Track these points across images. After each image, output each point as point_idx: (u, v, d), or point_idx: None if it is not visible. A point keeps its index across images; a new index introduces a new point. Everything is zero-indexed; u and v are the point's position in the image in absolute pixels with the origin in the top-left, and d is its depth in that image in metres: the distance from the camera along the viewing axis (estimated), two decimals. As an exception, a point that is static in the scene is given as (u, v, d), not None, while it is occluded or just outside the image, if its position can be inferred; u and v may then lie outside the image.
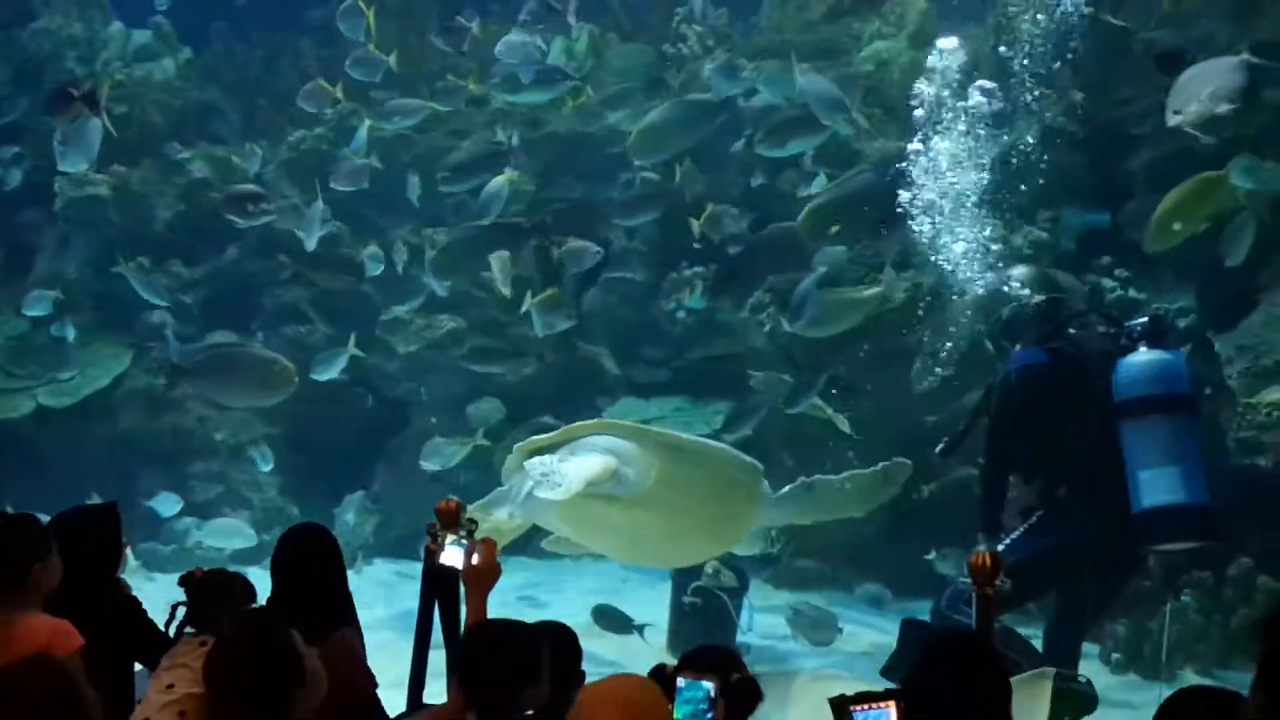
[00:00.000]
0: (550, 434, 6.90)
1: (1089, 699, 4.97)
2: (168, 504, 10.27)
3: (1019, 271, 6.65)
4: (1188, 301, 8.89)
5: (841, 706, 2.76)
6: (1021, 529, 6.16)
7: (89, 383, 10.99)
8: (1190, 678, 7.37)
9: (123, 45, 12.40)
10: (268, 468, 10.49)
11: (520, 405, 10.70)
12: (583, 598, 8.94)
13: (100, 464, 10.75)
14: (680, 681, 2.97)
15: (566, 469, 6.25)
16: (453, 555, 3.84)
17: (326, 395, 10.64)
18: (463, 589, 3.86)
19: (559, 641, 3.49)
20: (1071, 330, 6.35)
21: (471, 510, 6.22)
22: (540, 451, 6.60)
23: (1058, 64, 9.05)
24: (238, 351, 9.37)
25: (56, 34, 12.19)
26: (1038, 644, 6.27)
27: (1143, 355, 5.87)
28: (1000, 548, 5.99)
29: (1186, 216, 7.29)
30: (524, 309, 9.70)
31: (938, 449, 6.72)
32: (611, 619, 7.95)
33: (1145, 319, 6.11)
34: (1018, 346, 6.28)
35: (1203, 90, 6.67)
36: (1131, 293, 8.95)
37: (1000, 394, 6.16)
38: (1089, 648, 6.45)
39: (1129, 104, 9.30)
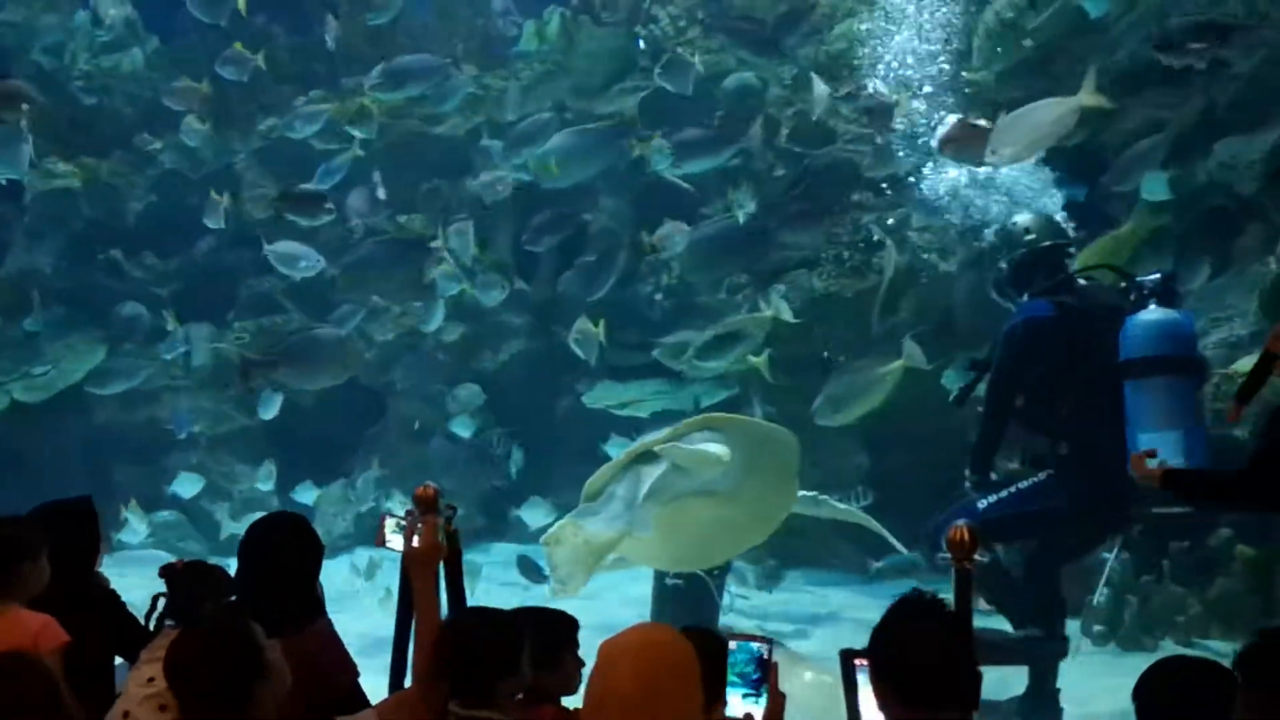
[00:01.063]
0: (660, 434, 6.71)
1: None
2: (189, 484, 10.22)
3: (1024, 218, 6.48)
4: (1167, 268, 8.89)
5: (848, 657, 2.79)
6: (1016, 487, 6.08)
7: (63, 377, 10.92)
8: (1170, 648, 7.42)
9: (90, 35, 12.28)
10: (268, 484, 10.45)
11: (499, 392, 10.68)
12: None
13: (76, 458, 10.70)
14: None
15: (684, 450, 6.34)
16: (393, 539, 3.82)
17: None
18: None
19: (544, 626, 3.47)
20: (1081, 281, 6.25)
21: (563, 524, 6.22)
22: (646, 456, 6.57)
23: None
24: (310, 336, 9.37)
25: (21, 26, 12.06)
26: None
27: (1153, 313, 5.75)
28: (991, 499, 6.00)
29: (854, 405, 7.83)
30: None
31: (950, 398, 6.79)
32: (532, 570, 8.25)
33: (1157, 274, 5.98)
34: (1024, 297, 6.18)
35: (1021, 137, 6.94)
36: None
37: (1005, 344, 6.11)
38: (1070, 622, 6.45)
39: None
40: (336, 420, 10.82)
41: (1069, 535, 6.21)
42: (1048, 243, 6.29)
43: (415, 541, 3.70)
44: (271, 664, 3.06)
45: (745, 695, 3.01)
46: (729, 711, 2.99)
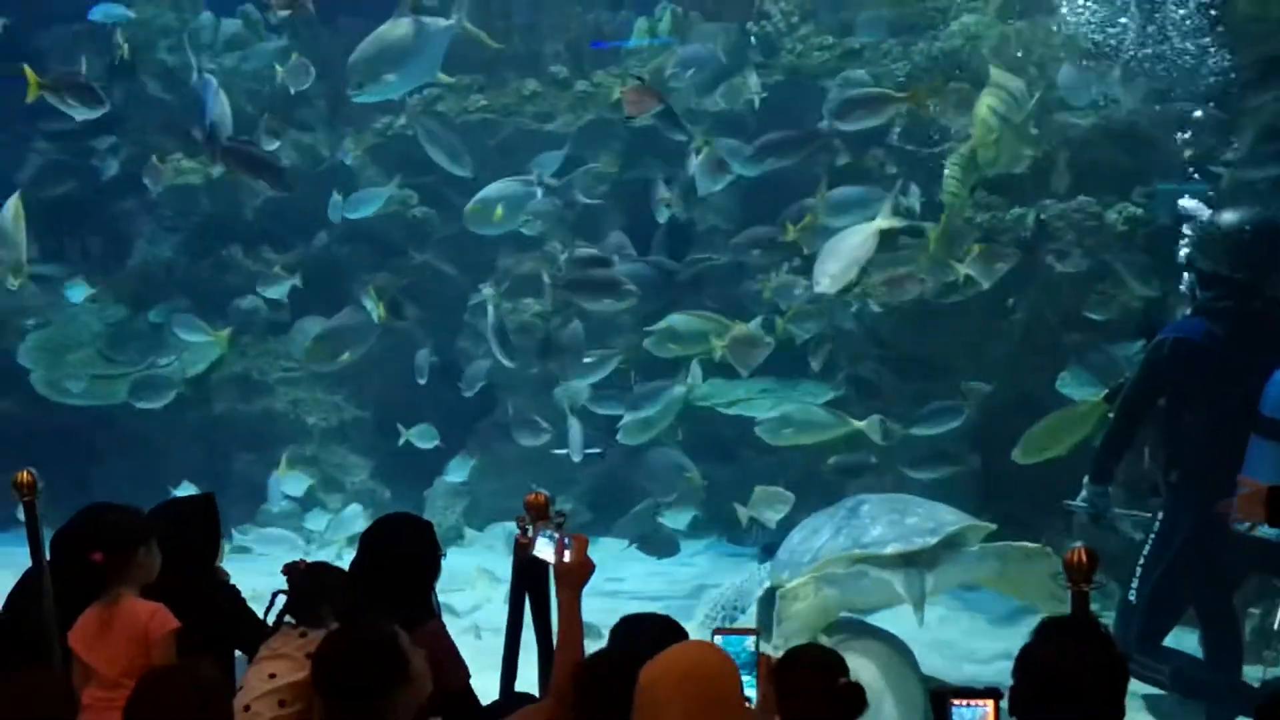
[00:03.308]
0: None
1: None
2: (295, 484, 10.47)
3: (1233, 215, 6.19)
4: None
5: (941, 699, 2.76)
6: (1143, 556, 5.98)
7: (185, 368, 11.22)
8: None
9: (213, 34, 12.57)
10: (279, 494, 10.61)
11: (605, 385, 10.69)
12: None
13: (195, 448, 11.00)
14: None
15: None
16: (544, 549, 3.85)
17: (415, 379, 10.75)
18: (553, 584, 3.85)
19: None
20: (1240, 305, 5.88)
21: (804, 581, 6.17)
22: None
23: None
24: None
25: (149, 24, 12.39)
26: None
27: None
28: (1134, 585, 5.93)
29: (1055, 443, 7.58)
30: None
31: (1103, 394, 6.73)
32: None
33: None
34: (1186, 312, 6.06)
35: (838, 261, 8.08)
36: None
37: (1149, 358, 6.01)
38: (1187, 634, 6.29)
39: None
40: (445, 413, 10.91)
41: (1203, 567, 6.00)
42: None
43: (566, 556, 3.71)
44: (415, 671, 3.12)
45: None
46: None
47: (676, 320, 9.46)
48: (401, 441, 10.21)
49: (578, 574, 3.67)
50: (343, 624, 3.34)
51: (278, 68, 10.65)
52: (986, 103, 8.36)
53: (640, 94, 9.06)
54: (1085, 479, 6.26)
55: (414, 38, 8.72)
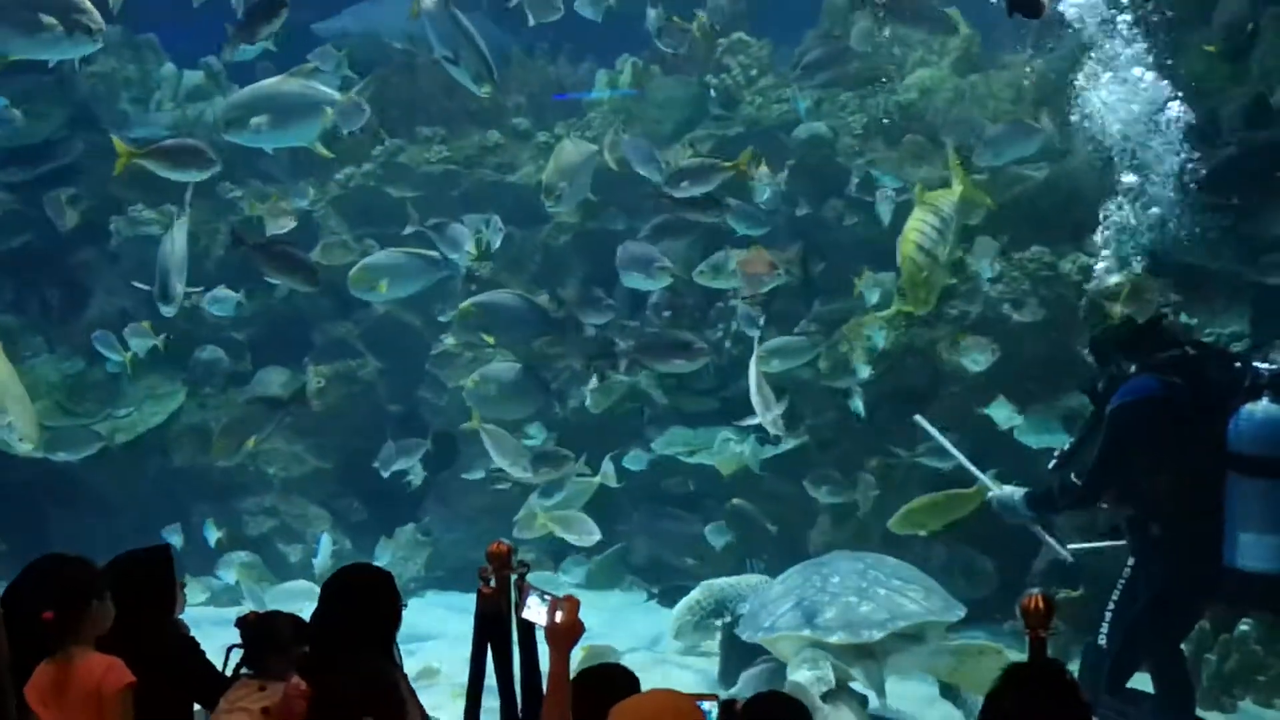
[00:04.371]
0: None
1: None
2: (210, 532, 10.27)
3: (1116, 277, 6.40)
4: (1240, 326, 8.78)
5: None
6: (1112, 603, 6.05)
7: (145, 419, 11.14)
8: (1250, 709, 7.27)
9: (175, 86, 12.61)
10: (327, 552, 10.53)
11: (569, 436, 10.71)
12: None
13: (154, 500, 10.89)
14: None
15: None
16: (535, 610, 3.84)
17: (378, 429, 10.73)
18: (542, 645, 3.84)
19: None
20: (1191, 351, 6.08)
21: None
22: None
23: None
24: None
25: (111, 76, 12.40)
26: None
27: (1269, 410, 5.60)
28: (1103, 630, 5.99)
29: (932, 520, 7.64)
30: None
31: (1050, 465, 6.59)
32: None
33: (1275, 366, 5.78)
34: (1132, 368, 6.05)
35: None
36: (1184, 317, 8.85)
37: (1114, 423, 5.98)
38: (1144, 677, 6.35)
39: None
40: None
41: (1176, 616, 6.12)
42: (1156, 309, 6.17)
43: (558, 617, 3.72)
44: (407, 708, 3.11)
45: None
46: None
47: None
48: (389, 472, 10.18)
49: (569, 635, 3.69)
50: (344, 666, 3.33)
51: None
52: (912, 240, 8.11)
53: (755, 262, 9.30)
54: (1022, 496, 6.41)
55: (294, 99, 8.78)
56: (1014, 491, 6.56)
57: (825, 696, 5.94)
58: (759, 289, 9.48)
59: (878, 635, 6.16)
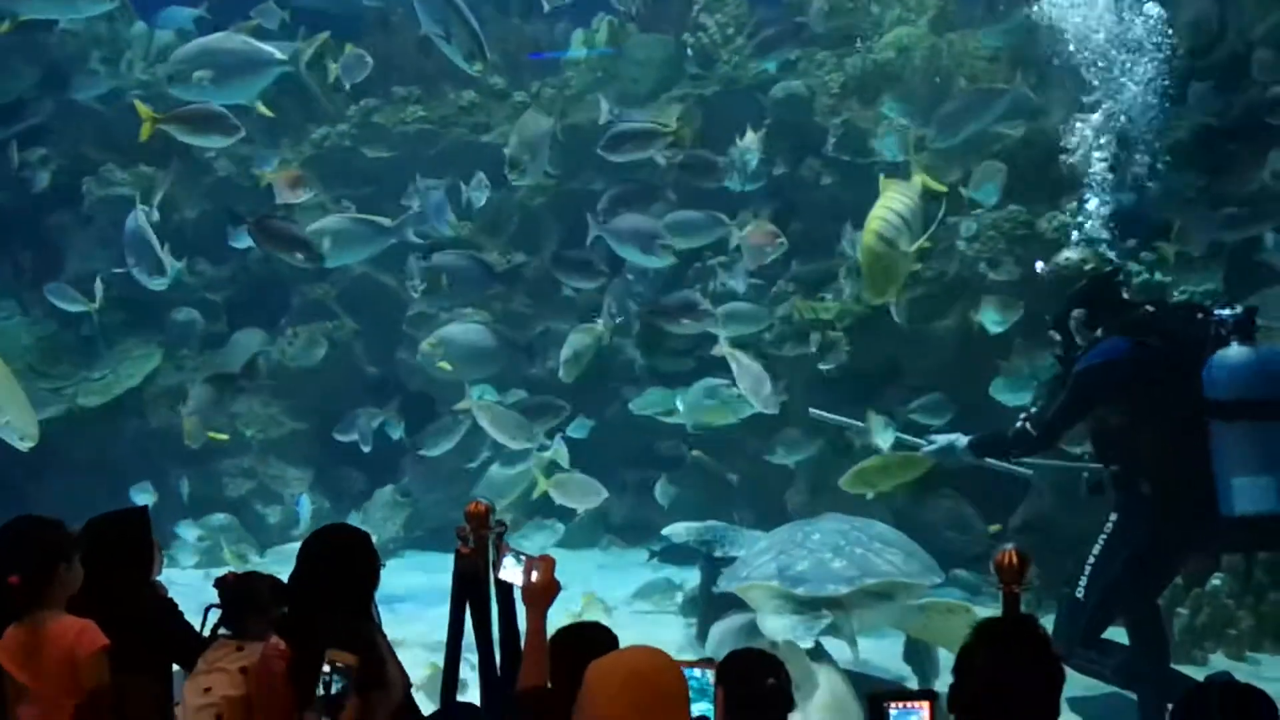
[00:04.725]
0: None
1: None
2: (143, 495, 10.05)
3: (1074, 253, 6.41)
4: (1215, 284, 8.83)
5: (878, 702, 2.81)
6: (1093, 557, 6.10)
7: (121, 382, 11.09)
8: (1220, 661, 7.37)
9: (146, 45, 12.45)
10: (308, 513, 10.51)
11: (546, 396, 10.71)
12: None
13: (131, 462, 10.85)
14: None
15: None
16: (511, 570, 3.85)
17: (355, 390, 10.72)
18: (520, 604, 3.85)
19: None
20: (1151, 309, 6.16)
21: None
22: None
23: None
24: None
25: (81, 35, 12.25)
26: None
27: (1239, 353, 5.63)
28: (1082, 582, 6.05)
29: (882, 481, 7.66)
30: None
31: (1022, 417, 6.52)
32: None
33: (1239, 310, 5.82)
34: (1098, 331, 6.08)
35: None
36: (1158, 276, 8.90)
37: (1078, 383, 6.02)
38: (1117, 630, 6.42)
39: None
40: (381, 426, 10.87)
41: (1159, 570, 6.21)
42: (1106, 269, 6.22)
43: (534, 576, 3.73)
44: (390, 676, 3.12)
45: None
46: None
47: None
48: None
49: (545, 594, 3.70)
50: (323, 626, 3.33)
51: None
52: (874, 229, 7.88)
53: None
54: (966, 442, 6.51)
55: (237, 56, 8.75)
56: (954, 438, 6.65)
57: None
58: (763, 260, 9.45)
59: (844, 590, 6.19)
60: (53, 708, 3.75)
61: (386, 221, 9.51)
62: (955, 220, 9.38)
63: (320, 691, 2.99)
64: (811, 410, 8.04)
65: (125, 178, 11.40)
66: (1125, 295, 6.37)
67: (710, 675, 3.14)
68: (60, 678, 3.78)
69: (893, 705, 2.80)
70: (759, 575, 6.54)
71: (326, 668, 3.02)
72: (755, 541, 7.26)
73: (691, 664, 3.13)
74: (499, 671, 3.99)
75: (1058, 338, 6.34)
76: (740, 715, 3.17)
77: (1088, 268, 6.19)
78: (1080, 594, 6.07)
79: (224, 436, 9.93)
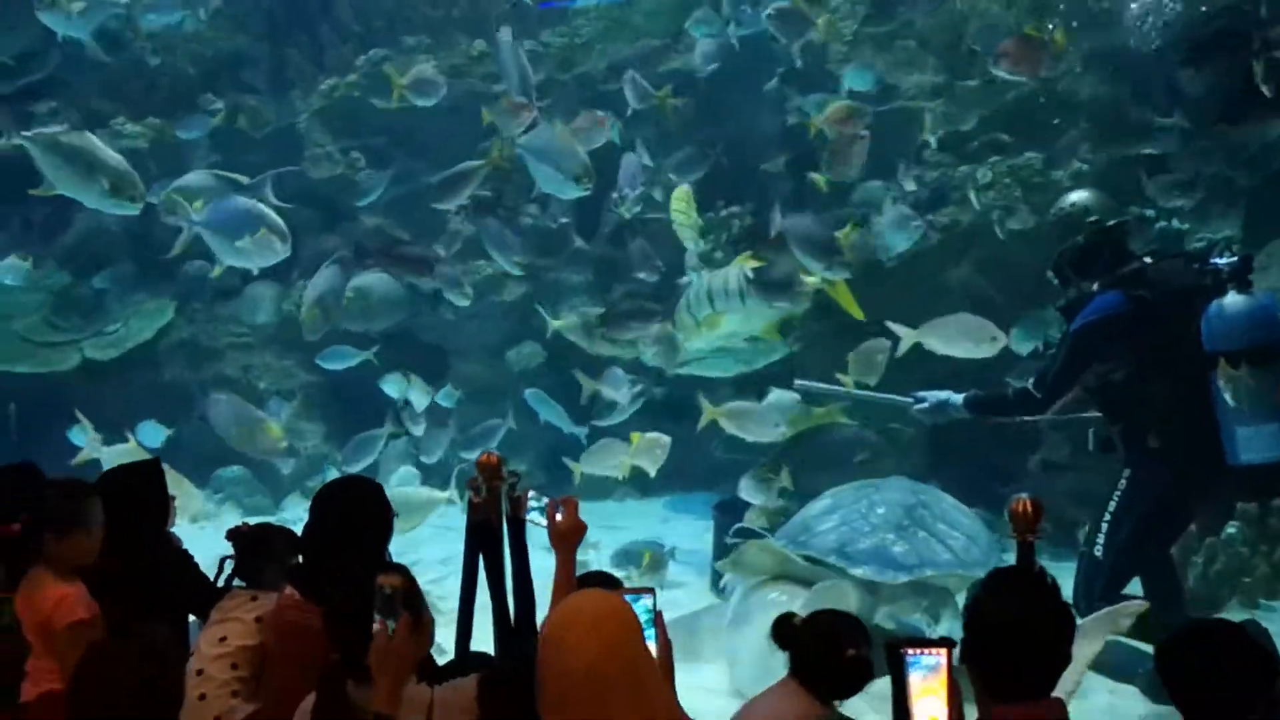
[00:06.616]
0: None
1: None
2: (153, 434, 10.11)
3: (1081, 196, 6.32)
4: (1234, 231, 8.75)
5: (896, 649, 2.81)
6: (1109, 514, 6.05)
7: (133, 335, 11.11)
8: (1237, 609, 7.36)
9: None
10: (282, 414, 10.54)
11: (560, 351, 10.70)
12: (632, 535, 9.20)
13: (144, 415, 10.87)
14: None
15: None
16: (535, 514, 3.86)
17: (367, 342, 10.69)
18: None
19: None
20: (1148, 260, 6.07)
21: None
22: None
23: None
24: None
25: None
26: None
27: (1236, 302, 5.61)
28: (1100, 539, 6.01)
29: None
30: None
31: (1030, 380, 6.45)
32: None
33: (1234, 259, 5.79)
34: (1095, 285, 6.02)
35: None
36: (1175, 223, 8.82)
37: (1076, 340, 5.98)
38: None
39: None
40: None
41: (1173, 521, 6.19)
42: (1110, 221, 6.12)
43: (559, 518, 3.73)
44: (425, 618, 3.11)
45: None
46: None
47: None
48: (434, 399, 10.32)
49: (572, 535, 3.70)
50: (336, 576, 3.32)
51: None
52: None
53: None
54: (962, 399, 6.53)
55: None
56: (946, 396, 6.63)
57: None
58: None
59: (901, 579, 6.12)
60: (46, 669, 3.76)
61: (243, 179, 9.43)
62: (969, 168, 9.30)
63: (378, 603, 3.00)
64: (797, 382, 7.99)
65: (136, 130, 11.34)
66: (1129, 247, 6.26)
67: (648, 600, 3.11)
68: (38, 641, 3.80)
69: (910, 651, 2.79)
70: (819, 547, 6.37)
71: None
72: (817, 501, 7.06)
73: (636, 591, 3.12)
74: (513, 621, 3.99)
75: (1056, 282, 6.29)
76: (818, 680, 3.21)
77: (1090, 219, 6.11)
78: (1098, 552, 6.05)
79: (284, 443, 9.79)
